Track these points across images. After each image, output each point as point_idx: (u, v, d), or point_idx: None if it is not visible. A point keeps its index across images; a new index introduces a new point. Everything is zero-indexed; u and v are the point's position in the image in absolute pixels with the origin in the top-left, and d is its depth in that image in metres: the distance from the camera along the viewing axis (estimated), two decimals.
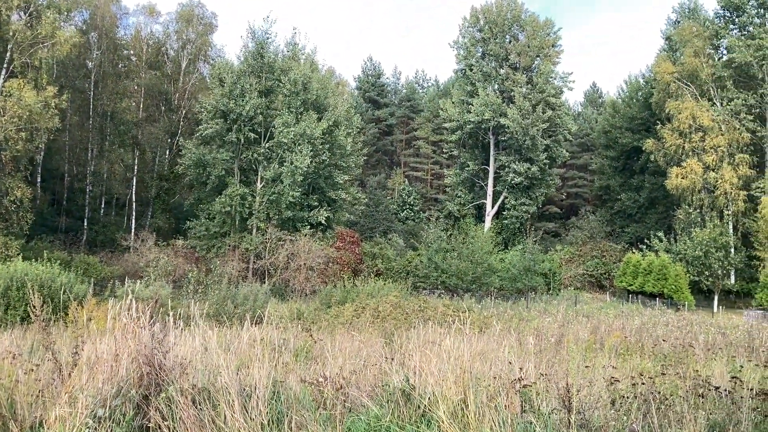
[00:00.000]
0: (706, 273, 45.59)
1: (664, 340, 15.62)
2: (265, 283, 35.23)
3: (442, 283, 42.66)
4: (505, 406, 5.09)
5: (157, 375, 5.24)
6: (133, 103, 55.80)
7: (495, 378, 5.80)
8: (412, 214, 67.82)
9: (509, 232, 59.24)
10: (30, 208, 38.88)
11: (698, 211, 50.02)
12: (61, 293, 17.97)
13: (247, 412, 4.92)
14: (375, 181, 69.35)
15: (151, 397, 5.07)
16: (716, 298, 46.30)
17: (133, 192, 53.11)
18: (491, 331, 13.49)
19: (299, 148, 42.60)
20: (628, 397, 6.37)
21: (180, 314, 7.15)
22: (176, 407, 4.89)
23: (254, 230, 43.80)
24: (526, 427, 4.80)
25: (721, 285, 46.50)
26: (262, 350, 5.69)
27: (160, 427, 4.85)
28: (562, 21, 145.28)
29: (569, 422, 4.76)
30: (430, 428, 4.94)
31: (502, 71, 60.65)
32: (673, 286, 43.30)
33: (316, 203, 45.78)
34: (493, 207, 61.04)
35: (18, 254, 29.89)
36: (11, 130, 35.38)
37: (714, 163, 49.39)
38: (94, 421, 4.62)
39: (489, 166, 61.49)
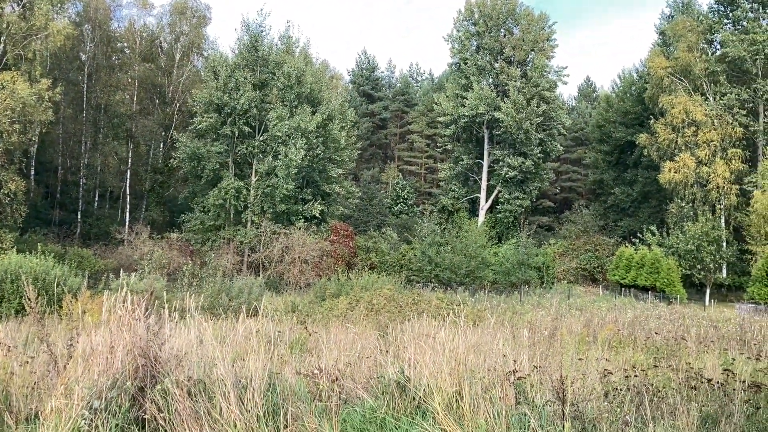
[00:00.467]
0: (698, 267, 45.79)
1: (656, 333, 15.71)
2: (259, 276, 35.25)
3: (436, 276, 42.75)
4: (500, 397, 5.13)
5: (152, 367, 5.25)
6: (127, 96, 55.55)
7: (489, 370, 5.83)
8: (406, 208, 67.85)
9: (503, 226, 59.35)
10: (24, 201, 38.68)
11: (691, 205, 50.18)
12: (56, 286, 17.94)
13: (243, 404, 4.93)
14: (369, 174, 69.33)
15: (147, 389, 5.08)
16: (708, 291, 46.54)
17: (127, 185, 52.92)
18: (485, 324, 13.54)
19: (293, 141, 42.54)
20: (621, 390, 6.42)
21: (175, 307, 7.16)
22: (172, 399, 4.90)
23: (249, 223, 43.77)
24: (520, 418, 4.84)
25: (713, 278, 46.74)
26: (257, 342, 5.71)
27: (155, 419, 4.87)
28: (556, 15, 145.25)
29: (563, 414, 4.80)
30: (425, 420, 4.97)
31: (496, 65, 60.63)
32: (666, 280, 43.48)
33: (310, 197, 45.79)
34: (486, 201, 61.11)
35: (12, 247, 29.78)
36: (5, 123, 35.16)
37: (707, 157, 49.54)
38: (90, 413, 4.63)
39: (483, 160, 61.52)
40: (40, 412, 5.01)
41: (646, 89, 57.76)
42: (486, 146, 61.17)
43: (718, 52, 52.89)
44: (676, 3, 61.12)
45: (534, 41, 59.25)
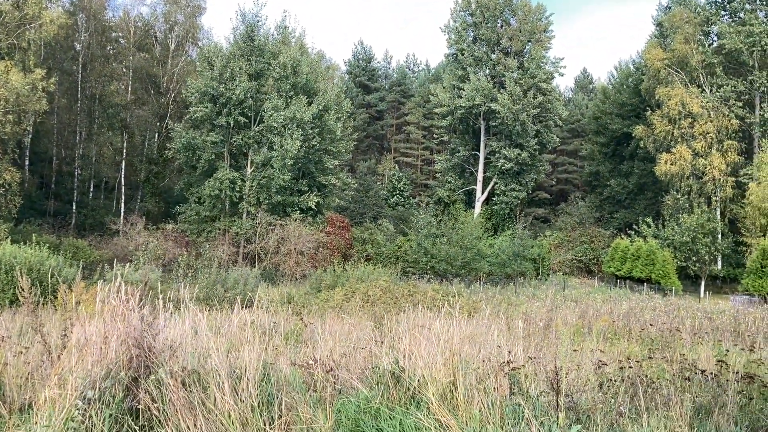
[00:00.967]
0: (694, 258, 45.92)
1: (651, 325, 15.77)
2: (255, 267, 35.22)
3: (432, 268, 42.80)
4: (494, 388, 5.13)
5: (146, 357, 5.24)
6: (122, 86, 55.31)
7: (484, 361, 5.83)
8: (402, 199, 67.83)
9: (499, 218, 59.40)
10: (18, 191, 38.57)
11: (686, 197, 50.27)
12: (50, 276, 17.89)
13: (237, 394, 4.93)
14: (365, 166, 69.23)
15: (141, 379, 5.07)
16: (703, 283, 46.72)
17: (122, 175, 52.76)
18: (481, 315, 13.57)
19: (289, 132, 42.42)
20: (615, 381, 6.44)
21: (170, 298, 7.14)
22: (166, 389, 4.89)
23: (244, 214, 43.72)
24: (514, 409, 4.85)
25: (708, 270, 46.89)
26: (252, 333, 5.70)
27: (149, 409, 4.86)
28: (553, 6, 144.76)
29: (557, 404, 4.81)
30: (419, 410, 4.97)
31: (493, 56, 60.48)
32: (661, 272, 43.61)
33: (306, 188, 45.70)
34: (483, 193, 61.12)
35: (6, 237, 29.68)
36: None
37: (703, 149, 49.59)
38: (83, 403, 4.62)
39: (479, 152, 61.48)
40: (33, 403, 5.01)
41: (643, 81, 57.74)
42: (482, 138, 61.12)
43: (715, 44, 52.84)
44: None
45: (531, 32, 59.12)
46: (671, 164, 50.03)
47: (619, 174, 63.66)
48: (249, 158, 44.60)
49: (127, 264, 27.48)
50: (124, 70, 55.28)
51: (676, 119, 50.58)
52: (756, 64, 49.72)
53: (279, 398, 4.99)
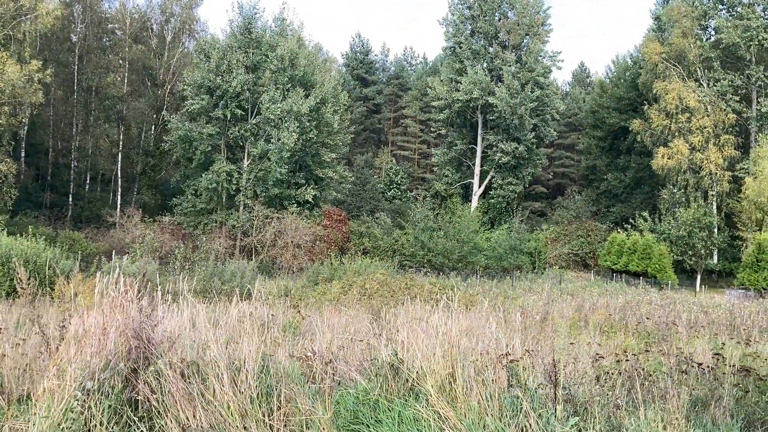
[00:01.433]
0: (690, 253, 46.06)
1: (647, 318, 15.83)
2: (252, 260, 35.21)
3: (429, 261, 42.83)
4: (492, 380, 5.15)
5: (145, 348, 5.24)
6: (118, 78, 55.04)
7: (482, 353, 5.85)
8: (399, 193, 67.82)
9: (496, 212, 59.43)
10: (14, 183, 38.47)
11: (683, 191, 50.38)
12: (47, 268, 17.87)
13: (236, 386, 4.94)
14: (362, 159, 69.18)
15: (140, 371, 5.07)
16: (699, 277, 46.86)
17: (119, 168, 52.62)
18: (479, 308, 13.60)
19: (286, 125, 42.32)
20: (612, 374, 6.47)
21: (168, 290, 7.15)
22: (165, 380, 4.90)
23: (241, 207, 43.67)
24: (512, 401, 4.86)
25: (703, 264, 47.04)
26: (251, 325, 5.71)
27: (148, 400, 4.87)
28: (550, 0, 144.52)
29: (555, 397, 4.83)
30: (418, 402, 4.99)
31: (491, 49, 60.32)
32: (657, 266, 43.74)
33: (303, 181, 45.64)
34: (480, 186, 61.11)
35: (2, 229, 29.54)
36: None
37: (700, 143, 49.67)
38: (82, 394, 4.63)
39: (476, 146, 61.43)
40: (32, 394, 5.01)
41: (640, 75, 57.79)
42: (480, 131, 61.06)
43: (713, 38, 52.88)
44: None
45: (529, 25, 58.97)
46: (668, 158, 50.11)
47: (615, 168, 63.73)
48: (246, 151, 44.52)
49: (124, 256, 27.47)
50: (121, 61, 55.01)
51: (673, 113, 50.63)
52: (753, 59, 49.77)
53: (278, 390, 5.01)
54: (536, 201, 70.37)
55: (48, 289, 15.62)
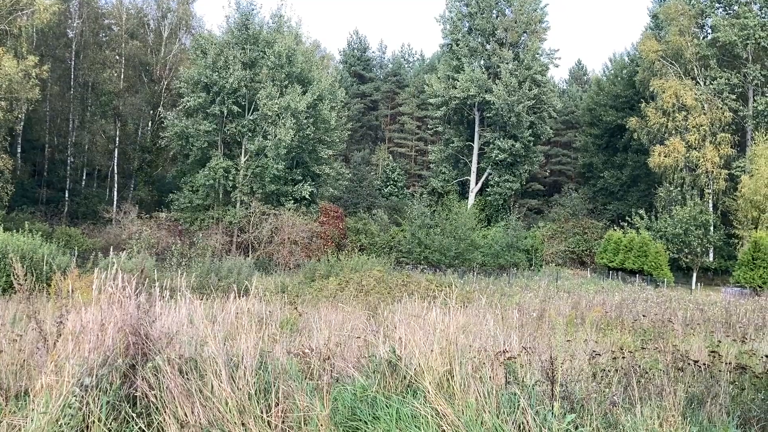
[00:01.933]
0: (686, 250, 46.13)
1: (644, 316, 15.87)
2: (248, 256, 35.19)
3: (425, 258, 42.87)
4: (490, 377, 5.17)
5: (143, 345, 5.24)
6: (115, 74, 54.92)
7: (479, 350, 5.87)
8: (396, 190, 67.82)
9: (492, 209, 59.48)
10: (10, 179, 38.41)
11: (679, 189, 50.47)
12: (44, 264, 17.84)
13: (235, 382, 4.95)
14: (359, 156, 69.15)
15: (138, 367, 5.08)
16: (695, 275, 46.97)
17: (115, 164, 52.53)
18: (476, 305, 13.62)
19: (283, 121, 42.26)
20: (609, 371, 6.49)
21: (165, 286, 7.15)
22: (163, 376, 4.90)
23: (238, 204, 43.62)
24: (510, 398, 4.88)
25: (699, 262, 47.13)
26: (248, 322, 5.71)
27: (147, 396, 4.87)
28: None
29: (552, 394, 4.84)
30: (416, 398, 5.00)
31: (488, 47, 60.29)
32: (653, 263, 43.80)
33: (300, 177, 45.59)
34: (476, 183, 61.15)
35: None
36: None
37: (696, 141, 49.77)
38: (81, 390, 4.63)
39: (473, 143, 61.45)
40: (30, 390, 5.00)
41: (637, 73, 57.79)
42: (477, 128, 61.08)
43: (710, 37, 52.94)
44: None
45: (527, 23, 58.95)
46: (665, 156, 50.19)
47: (612, 166, 63.81)
48: (243, 147, 44.46)
49: (121, 252, 27.42)
50: (117, 57, 54.90)
51: (669, 111, 50.70)
52: (750, 57, 49.83)
53: (276, 386, 5.01)
54: (533, 198, 70.44)
55: (45, 285, 15.59)
